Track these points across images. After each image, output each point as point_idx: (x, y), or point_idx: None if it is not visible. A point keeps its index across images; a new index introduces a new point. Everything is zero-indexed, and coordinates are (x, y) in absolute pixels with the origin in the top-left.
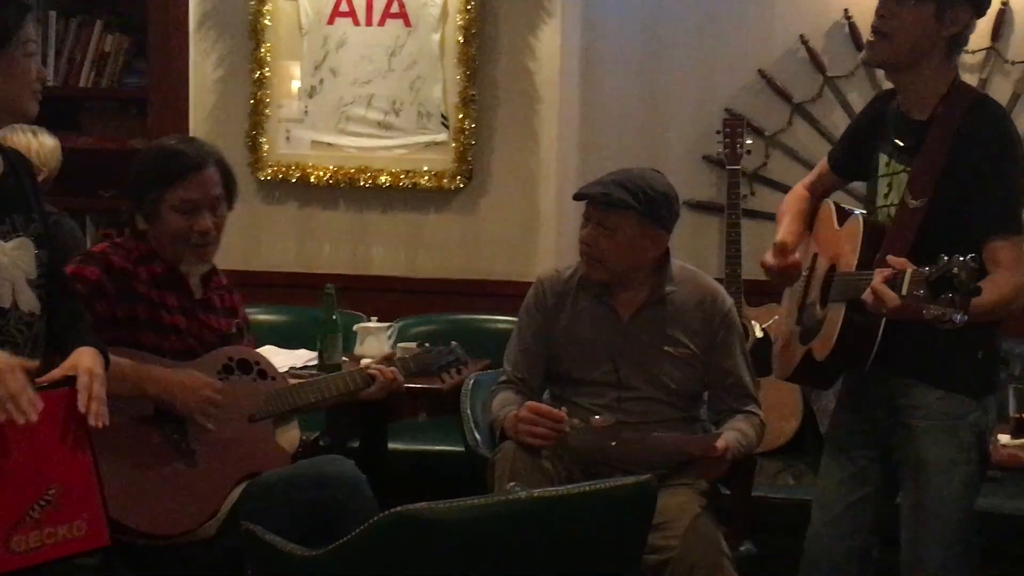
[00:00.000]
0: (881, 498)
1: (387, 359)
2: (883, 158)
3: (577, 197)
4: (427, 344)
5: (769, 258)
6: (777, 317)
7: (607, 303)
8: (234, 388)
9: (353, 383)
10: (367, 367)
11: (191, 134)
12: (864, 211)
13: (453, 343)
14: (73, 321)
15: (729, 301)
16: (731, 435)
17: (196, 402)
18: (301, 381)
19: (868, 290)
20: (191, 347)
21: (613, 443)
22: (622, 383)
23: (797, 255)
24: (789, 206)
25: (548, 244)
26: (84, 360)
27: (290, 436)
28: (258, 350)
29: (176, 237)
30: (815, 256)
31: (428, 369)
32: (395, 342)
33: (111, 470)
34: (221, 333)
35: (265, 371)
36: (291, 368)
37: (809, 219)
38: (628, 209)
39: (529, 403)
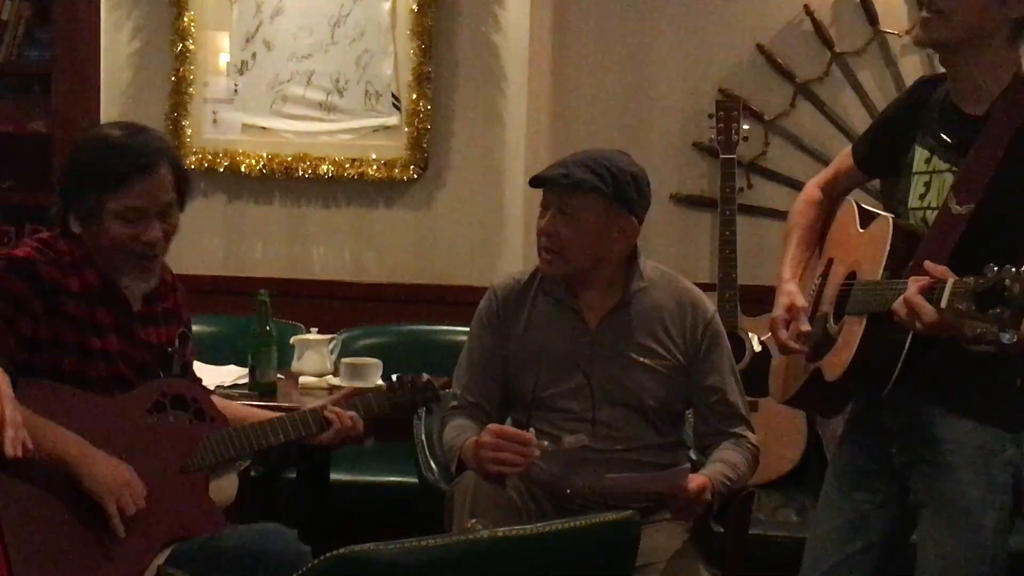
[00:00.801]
0: (885, 551)
1: (346, 399)
2: (921, 154)
3: (534, 182)
4: (395, 378)
5: (780, 330)
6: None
7: (571, 307)
8: (165, 430)
9: (305, 427)
10: (322, 407)
11: (102, 115)
12: (889, 214)
13: (426, 376)
14: None
15: (712, 308)
16: (715, 468)
17: (112, 485)
18: (243, 426)
19: (900, 301)
20: (121, 373)
21: (568, 491)
22: (595, 402)
23: (805, 324)
24: (798, 220)
25: (514, 244)
26: None
27: (226, 488)
28: None
29: (118, 247)
30: (829, 262)
31: (396, 409)
32: (338, 356)
33: (14, 530)
34: (161, 348)
35: (204, 411)
36: (218, 387)
37: (821, 229)
38: (592, 190)
39: (492, 425)
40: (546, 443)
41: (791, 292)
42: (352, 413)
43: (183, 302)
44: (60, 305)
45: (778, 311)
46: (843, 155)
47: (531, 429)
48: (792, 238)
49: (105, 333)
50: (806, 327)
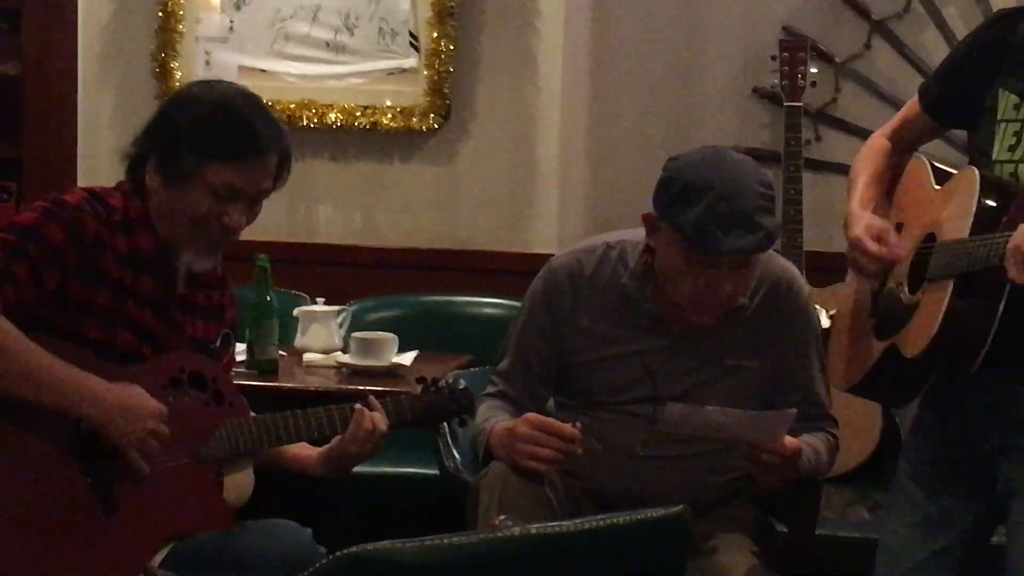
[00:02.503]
0: (969, 548)
1: (374, 401)
2: (1008, 99)
3: (731, 252)
4: (434, 384)
5: (866, 240)
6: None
7: (655, 310)
8: (180, 411)
9: (329, 424)
10: (352, 407)
11: (80, 56)
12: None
13: (464, 383)
14: None
15: (806, 289)
16: (801, 442)
17: (137, 433)
18: (270, 415)
19: (1011, 250)
20: (144, 354)
21: (641, 439)
22: (656, 413)
23: (894, 236)
24: (864, 164)
25: (548, 203)
26: None
27: (241, 484)
28: None
29: (196, 221)
30: (898, 228)
31: (429, 416)
32: (347, 330)
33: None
34: (199, 344)
35: (223, 393)
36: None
37: (890, 182)
38: (774, 242)
39: (529, 416)
40: (595, 442)
41: (867, 216)
42: (376, 413)
43: (229, 302)
44: (100, 264)
45: (856, 231)
46: (911, 101)
47: (577, 424)
48: (859, 181)
49: (143, 306)
50: (895, 237)
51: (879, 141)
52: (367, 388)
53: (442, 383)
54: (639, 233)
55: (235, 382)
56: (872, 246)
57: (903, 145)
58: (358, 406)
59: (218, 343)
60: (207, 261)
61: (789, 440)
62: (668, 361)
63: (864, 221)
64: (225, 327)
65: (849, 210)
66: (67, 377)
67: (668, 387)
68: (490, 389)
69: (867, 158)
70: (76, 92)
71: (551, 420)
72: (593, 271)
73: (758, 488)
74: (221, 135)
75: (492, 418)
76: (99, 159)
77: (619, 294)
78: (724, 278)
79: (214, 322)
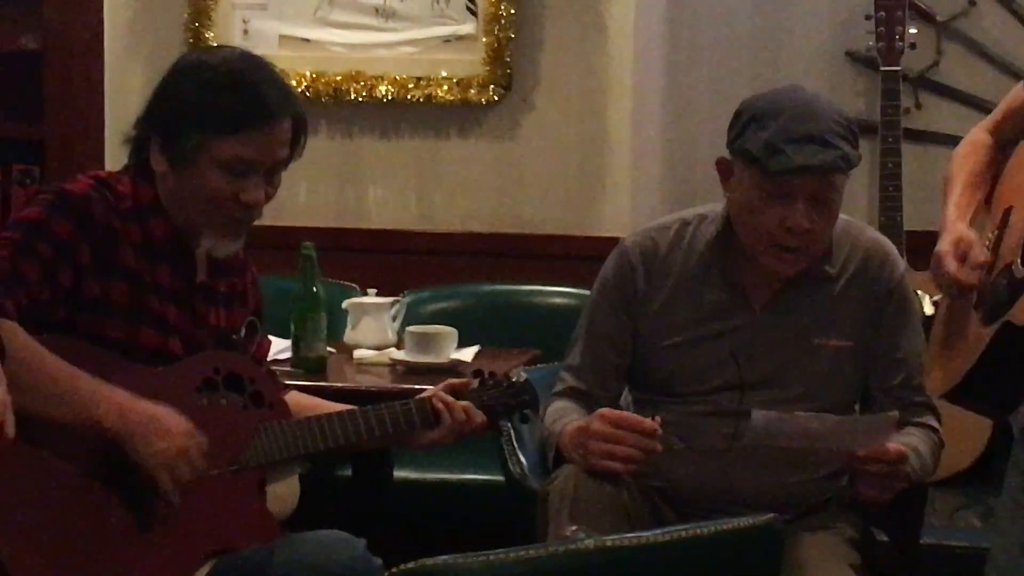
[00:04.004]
0: None
1: (453, 389)
2: None
3: (794, 171)
4: (487, 374)
5: (947, 259)
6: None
7: (737, 283)
8: (216, 415)
9: (406, 420)
10: (428, 397)
11: (106, 28)
12: None
13: (525, 375)
14: None
15: (902, 265)
16: (904, 444)
17: (167, 453)
18: (316, 417)
19: None
20: (171, 350)
21: (727, 448)
22: (745, 399)
23: (982, 255)
24: (962, 164)
25: (620, 182)
26: None
27: (286, 494)
28: None
29: (210, 202)
30: (1006, 212)
31: (487, 413)
32: (401, 324)
33: (24, 531)
34: (223, 334)
35: (262, 394)
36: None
37: (991, 181)
38: (853, 166)
39: (604, 411)
40: (675, 439)
41: (959, 228)
42: (466, 403)
43: (252, 284)
44: (114, 256)
45: (943, 245)
46: (1014, 92)
47: (656, 417)
48: (955, 183)
49: (163, 297)
50: (984, 256)
51: (980, 136)
52: (423, 387)
53: (501, 376)
54: (720, 207)
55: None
56: (951, 266)
57: (1006, 140)
58: (434, 399)
59: (242, 332)
60: (229, 245)
61: (893, 445)
62: (751, 340)
63: (953, 234)
64: (249, 313)
65: (943, 217)
66: (91, 390)
67: (754, 369)
68: (559, 387)
69: (966, 156)
70: (102, 67)
71: (628, 414)
72: (668, 249)
73: (862, 502)
74: (225, 105)
75: (563, 418)
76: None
77: (697, 270)
78: (800, 213)
79: (238, 308)
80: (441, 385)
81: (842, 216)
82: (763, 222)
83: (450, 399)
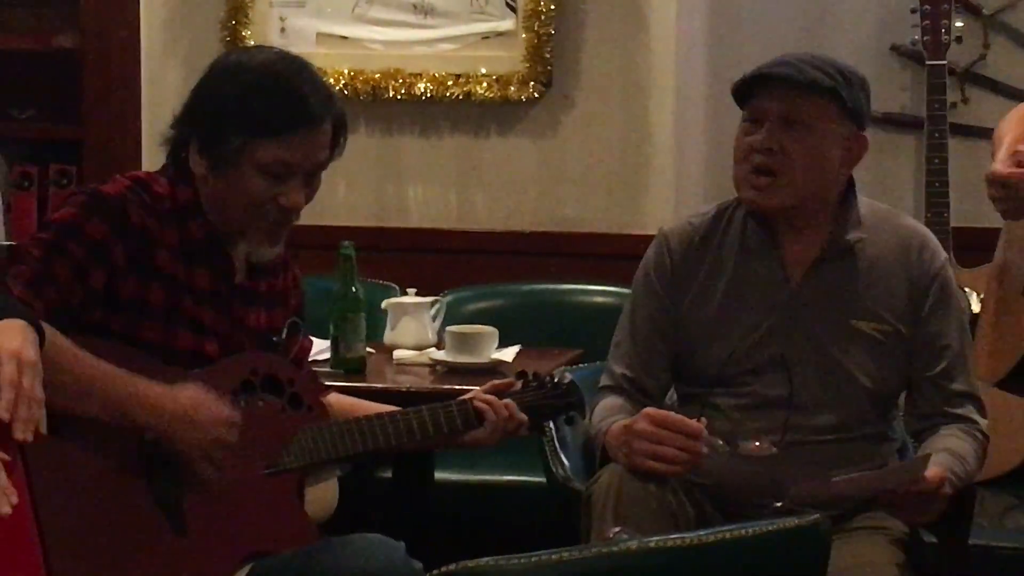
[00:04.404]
0: None
1: (497, 389)
2: None
3: (749, 84)
4: (536, 378)
5: (1000, 167)
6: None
7: (769, 257)
8: (254, 418)
9: (448, 422)
10: (471, 398)
11: (142, 26)
12: None
13: (570, 376)
14: None
15: (943, 254)
16: (943, 459)
17: (203, 443)
18: (356, 419)
19: None
20: (207, 353)
21: (778, 504)
22: (792, 383)
23: None
24: (1011, 126)
25: (663, 179)
26: (5, 339)
27: (324, 497)
28: None
29: (250, 205)
30: None
31: (532, 415)
32: (442, 324)
33: (61, 533)
34: (263, 336)
35: (300, 396)
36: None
37: None
38: (828, 93)
39: (648, 410)
40: (720, 442)
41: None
42: (508, 401)
43: (293, 284)
44: (150, 258)
45: (996, 164)
46: None
47: (702, 419)
48: (1004, 141)
49: (200, 300)
50: None
51: None
52: (464, 387)
53: (545, 377)
54: None
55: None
56: (1005, 170)
57: None
58: (476, 400)
59: (284, 333)
60: (269, 250)
61: (931, 472)
62: (791, 316)
63: (1005, 152)
64: (290, 313)
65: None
66: (124, 385)
67: (794, 346)
68: (605, 380)
69: (1017, 121)
70: (139, 65)
71: (672, 414)
72: (706, 231)
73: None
74: (267, 108)
75: (609, 417)
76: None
77: (733, 246)
78: (766, 131)
79: (278, 309)
80: (485, 386)
81: (878, 204)
82: (738, 149)
83: (492, 398)
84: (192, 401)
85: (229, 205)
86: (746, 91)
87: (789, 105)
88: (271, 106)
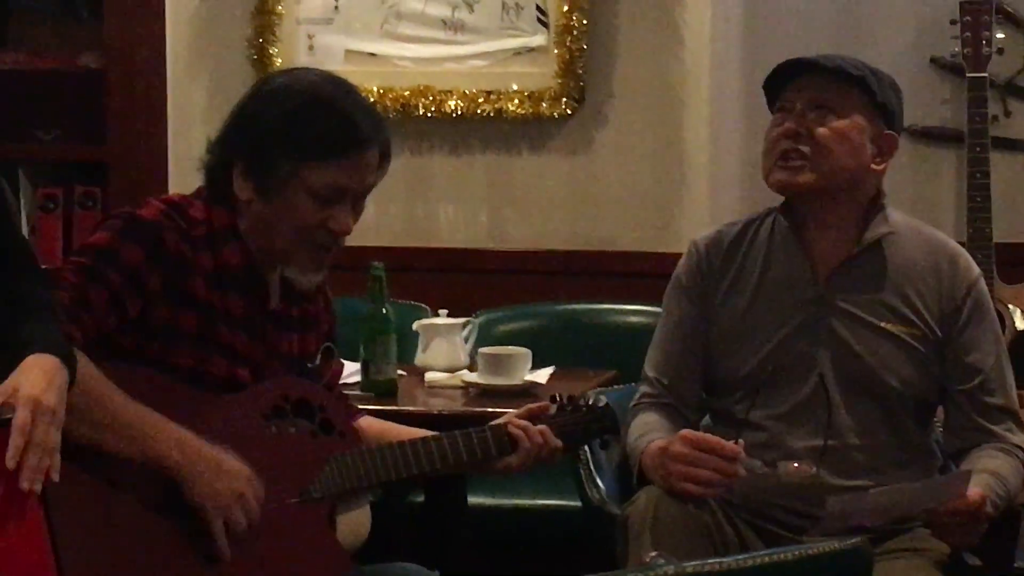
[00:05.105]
0: None
1: (531, 414)
2: None
3: (777, 74)
4: (566, 399)
5: None
6: None
7: (800, 254)
8: (284, 443)
9: (482, 449)
10: (504, 423)
11: (168, 45)
12: None
13: (605, 400)
14: (20, 310)
15: (976, 268)
16: (984, 480)
17: (222, 494)
18: (388, 445)
19: None
20: (240, 379)
21: (817, 519)
22: (828, 388)
23: None
24: None
25: (698, 196)
26: (27, 382)
27: (356, 525)
28: None
29: (298, 230)
30: None
31: (566, 439)
32: (474, 345)
33: (91, 565)
34: (297, 362)
35: (331, 422)
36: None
37: None
38: (859, 84)
39: (685, 432)
40: (758, 463)
41: None
42: (542, 427)
43: (325, 308)
44: (184, 285)
45: None
46: None
47: (739, 441)
48: None
49: (234, 327)
50: None
51: None
52: (497, 410)
53: (580, 400)
54: None
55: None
56: None
57: None
58: (510, 426)
59: (318, 359)
60: (314, 275)
61: (972, 492)
62: (818, 317)
63: None
64: (322, 338)
65: None
66: (155, 424)
67: (825, 347)
68: (640, 396)
69: None
70: (165, 85)
71: (709, 436)
72: (736, 237)
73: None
74: (318, 132)
75: (646, 435)
76: (192, 160)
77: (762, 250)
78: (797, 113)
79: (311, 334)
80: (519, 411)
81: (909, 217)
82: (768, 136)
83: (527, 424)
84: (223, 455)
85: (276, 229)
86: (777, 88)
87: (817, 91)
88: (322, 130)
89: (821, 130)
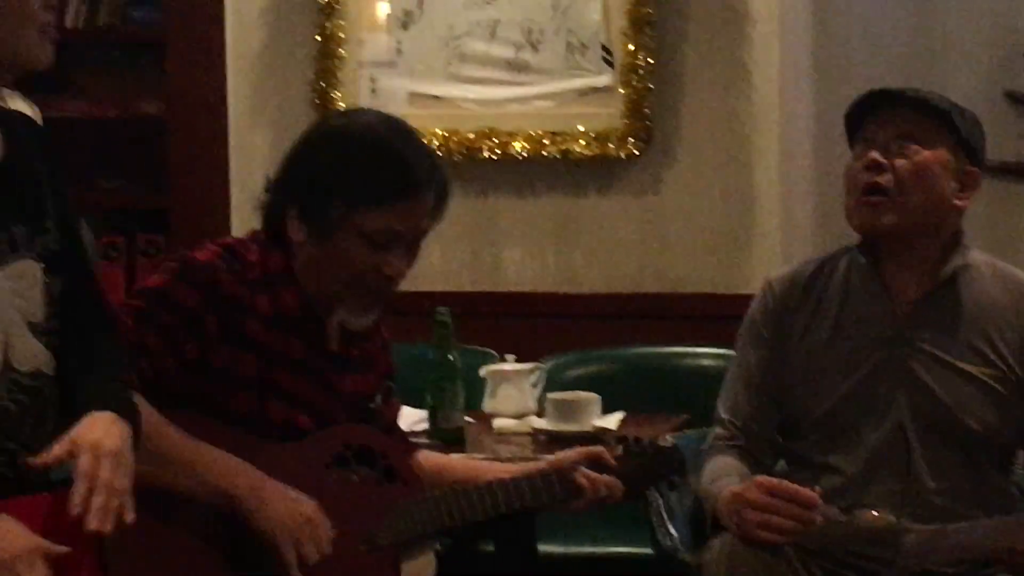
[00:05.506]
0: None
1: (595, 460)
2: None
3: (860, 105)
4: (636, 443)
5: None
6: None
7: (877, 292)
8: (347, 491)
9: (548, 495)
10: (567, 467)
11: (229, 90)
12: None
13: (671, 439)
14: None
15: None
16: None
17: (292, 524)
18: (451, 490)
19: None
20: (301, 424)
21: (893, 562)
22: (907, 431)
23: None
24: None
25: (769, 236)
26: (88, 431)
27: (421, 572)
28: None
29: (352, 274)
30: None
31: (633, 481)
32: (542, 391)
33: None
34: (358, 402)
35: (394, 468)
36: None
37: None
38: (943, 116)
39: (760, 478)
40: (835, 510)
41: None
42: (609, 479)
43: (383, 348)
44: (242, 327)
45: None
46: None
47: (816, 487)
48: None
49: (294, 370)
50: None
51: None
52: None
53: (646, 443)
54: None
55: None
56: None
57: None
58: (578, 472)
59: (379, 399)
60: (366, 317)
61: None
62: (896, 356)
63: None
64: (380, 378)
65: None
66: (216, 459)
67: (904, 387)
68: (714, 438)
69: None
70: (226, 131)
71: (785, 483)
72: (812, 276)
73: None
74: (372, 177)
75: (720, 480)
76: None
77: (838, 289)
78: (879, 146)
79: (370, 374)
80: (581, 451)
81: (988, 256)
82: (849, 177)
83: (593, 475)
84: (287, 488)
85: (329, 273)
86: (858, 121)
87: (902, 125)
88: (376, 174)
89: (904, 163)
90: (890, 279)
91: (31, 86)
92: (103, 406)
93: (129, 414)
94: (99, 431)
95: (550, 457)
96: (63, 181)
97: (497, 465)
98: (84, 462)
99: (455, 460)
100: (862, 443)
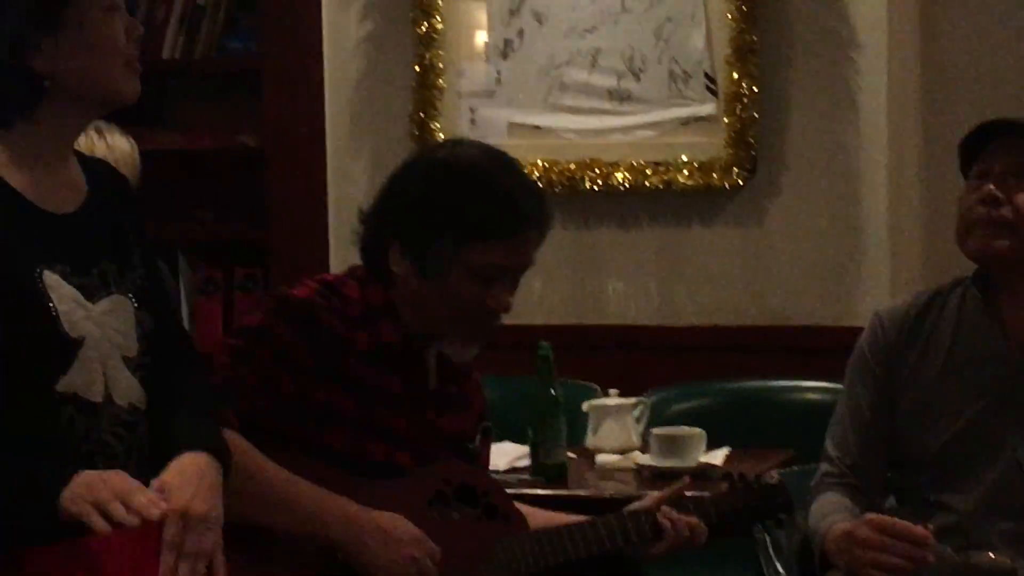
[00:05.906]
0: None
1: (675, 499)
2: None
3: (975, 135)
4: (742, 479)
5: None
6: None
7: (992, 328)
8: (449, 529)
9: (638, 534)
10: (652, 508)
11: (327, 121)
12: None
13: (777, 476)
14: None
15: None
16: None
17: (397, 563)
18: (547, 529)
19: None
20: (400, 463)
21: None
22: (1021, 466)
23: None
24: None
25: (878, 267)
26: (176, 489)
27: None
28: None
29: (457, 308)
30: None
31: (739, 518)
32: (646, 426)
33: None
34: (457, 441)
35: (496, 507)
36: (491, 472)
37: None
38: None
39: (872, 516)
40: (948, 550)
41: None
42: (693, 519)
43: (476, 387)
44: (340, 364)
45: None
46: None
47: (929, 526)
48: None
49: (393, 407)
50: None
51: None
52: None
53: (751, 479)
54: None
55: (518, 491)
56: None
57: None
58: (660, 514)
59: (477, 440)
60: (469, 351)
61: None
62: (1013, 394)
63: None
64: (474, 416)
65: None
66: (316, 498)
67: (1020, 424)
68: (822, 475)
69: None
70: (325, 163)
71: (897, 521)
72: (921, 309)
73: None
74: (480, 213)
75: (829, 517)
76: (354, 238)
77: (951, 323)
78: (996, 178)
79: (466, 412)
80: (662, 494)
81: None
82: (964, 203)
83: (676, 517)
84: (390, 519)
85: (433, 306)
86: (972, 151)
87: (1019, 156)
88: (484, 210)
89: (1021, 198)
90: (1006, 314)
91: (128, 119)
92: (194, 444)
93: (219, 452)
94: (188, 490)
95: (643, 502)
96: (143, 222)
97: (574, 516)
98: (172, 533)
99: (535, 509)
100: (977, 481)
